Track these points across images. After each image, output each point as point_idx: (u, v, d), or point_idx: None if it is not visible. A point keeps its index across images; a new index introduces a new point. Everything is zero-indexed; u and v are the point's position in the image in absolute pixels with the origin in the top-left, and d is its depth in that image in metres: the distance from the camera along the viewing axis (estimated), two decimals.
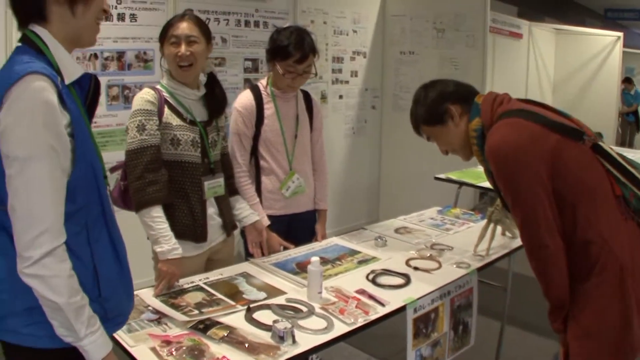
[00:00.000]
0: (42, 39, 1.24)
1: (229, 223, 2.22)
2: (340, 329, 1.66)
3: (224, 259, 2.23)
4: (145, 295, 1.87)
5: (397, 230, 2.62)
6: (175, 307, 1.79)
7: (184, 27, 1.99)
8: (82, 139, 1.24)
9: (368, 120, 4.94)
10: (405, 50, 4.80)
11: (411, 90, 1.97)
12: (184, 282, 1.98)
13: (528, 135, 1.56)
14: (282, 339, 1.54)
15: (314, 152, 2.59)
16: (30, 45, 1.24)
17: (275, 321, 1.59)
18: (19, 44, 1.25)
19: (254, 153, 2.43)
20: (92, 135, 1.32)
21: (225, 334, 1.59)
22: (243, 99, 2.40)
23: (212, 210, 2.14)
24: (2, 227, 1.24)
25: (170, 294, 1.89)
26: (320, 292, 1.83)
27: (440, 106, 1.76)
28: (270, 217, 2.43)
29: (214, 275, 2.07)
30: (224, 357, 1.48)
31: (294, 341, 1.55)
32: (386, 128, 5.02)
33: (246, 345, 1.53)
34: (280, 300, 1.85)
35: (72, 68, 1.27)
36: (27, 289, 1.20)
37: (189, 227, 2.03)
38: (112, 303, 1.32)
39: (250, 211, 2.29)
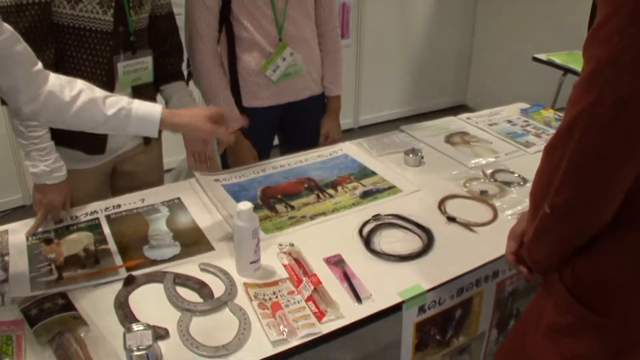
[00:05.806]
0: None
1: None
2: (255, 349, 0.90)
3: (142, 170, 1.55)
4: (16, 232, 1.23)
5: (449, 138, 1.71)
6: (37, 260, 1.14)
7: None
8: None
9: None
10: None
11: None
12: (82, 213, 1.30)
13: None
14: None
15: (319, 11, 1.67)
16: None
17: (128, 329, 0.86)
18: None
19: (225, 19, 1.56)
20: None
21: (54, 336, 0.91)
22: None
23: None
24: None
25: (49, 233, 1.23)
26: (254, 262, 1.07)
27: None
28: (254, 110, 1.63)
29: (133, 199, 1.36)
30: None
31: None
32: None
33: None
34: (190, 267, 1.11)
35: None
36: None
37: (79, 133, 1.28)
38: None
39: (193, 103, 1.50)
